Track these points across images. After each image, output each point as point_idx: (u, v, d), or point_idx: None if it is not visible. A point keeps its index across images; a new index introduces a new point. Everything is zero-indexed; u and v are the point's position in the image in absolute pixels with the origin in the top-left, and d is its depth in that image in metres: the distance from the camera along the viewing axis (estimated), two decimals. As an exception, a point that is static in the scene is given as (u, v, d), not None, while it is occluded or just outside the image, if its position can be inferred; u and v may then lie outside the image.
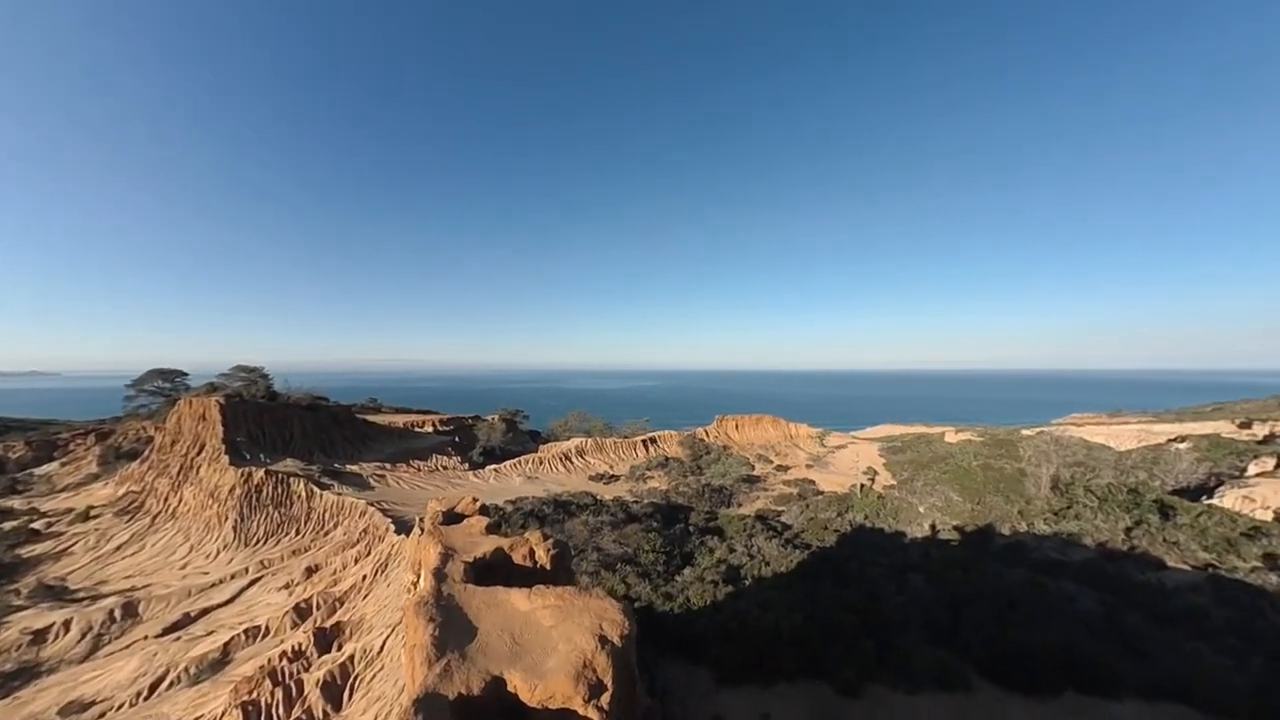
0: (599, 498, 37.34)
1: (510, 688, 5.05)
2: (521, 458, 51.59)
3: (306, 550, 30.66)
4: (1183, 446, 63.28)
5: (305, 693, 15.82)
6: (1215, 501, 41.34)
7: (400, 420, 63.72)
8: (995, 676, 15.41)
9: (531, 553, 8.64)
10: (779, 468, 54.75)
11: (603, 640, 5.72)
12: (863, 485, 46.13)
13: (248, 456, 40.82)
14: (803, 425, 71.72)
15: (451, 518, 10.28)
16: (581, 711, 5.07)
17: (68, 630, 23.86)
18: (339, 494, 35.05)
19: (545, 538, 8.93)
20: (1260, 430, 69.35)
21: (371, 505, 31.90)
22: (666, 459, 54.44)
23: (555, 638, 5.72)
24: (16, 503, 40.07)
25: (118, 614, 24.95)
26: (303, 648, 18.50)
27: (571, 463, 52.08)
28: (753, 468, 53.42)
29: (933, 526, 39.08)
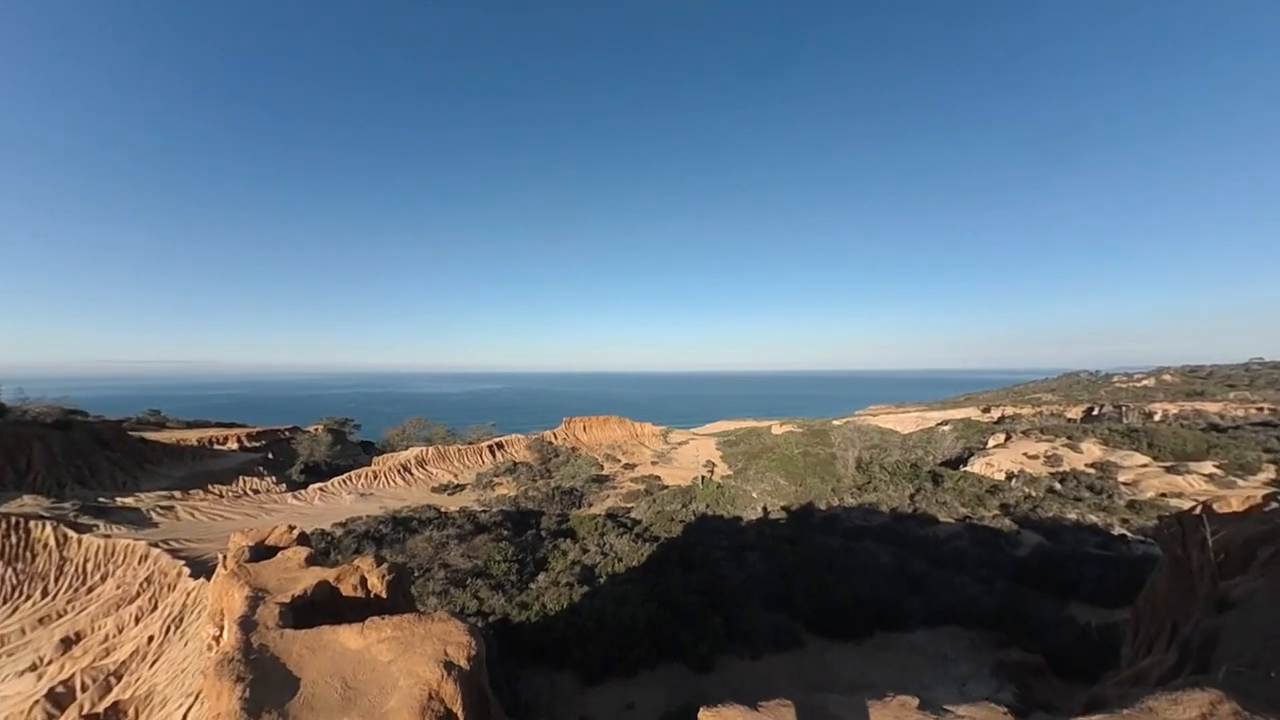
0: (443, 510, 35.10)
1: (345, 739, 4.44)
2: (352, 473, 46.49)
3: (61, 616, 24.06)
4: (946, 428, 78.89)
5: None
6: (968, 468, 51.82)
7: (193, 436, 53.53)
8: (821, 630, 17.79)
9: (363, 581, 7.67)
10: (626, 466, 56.38)
11: (449, 666, 5.31)
12: (703, 477, 49.45)
13: (-42, 497, 31.33)
14: (647, 424, 74.99)
15: (261, 552, 8.69)
16: (431, 748, 4.64)
17: None
18: (107, 536, 28.22)
19: (380, 562, 7.97)
20: (995, 414, 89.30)
21: (156, 546, 26.08)
22: (515, 464, 52.97)
23: (395, 673, 5.16)
24: None
25: None
26: None
27: (411, 474, 48.27)
28: (601, 467, 54.25)
29: (765, 509, 43.29)
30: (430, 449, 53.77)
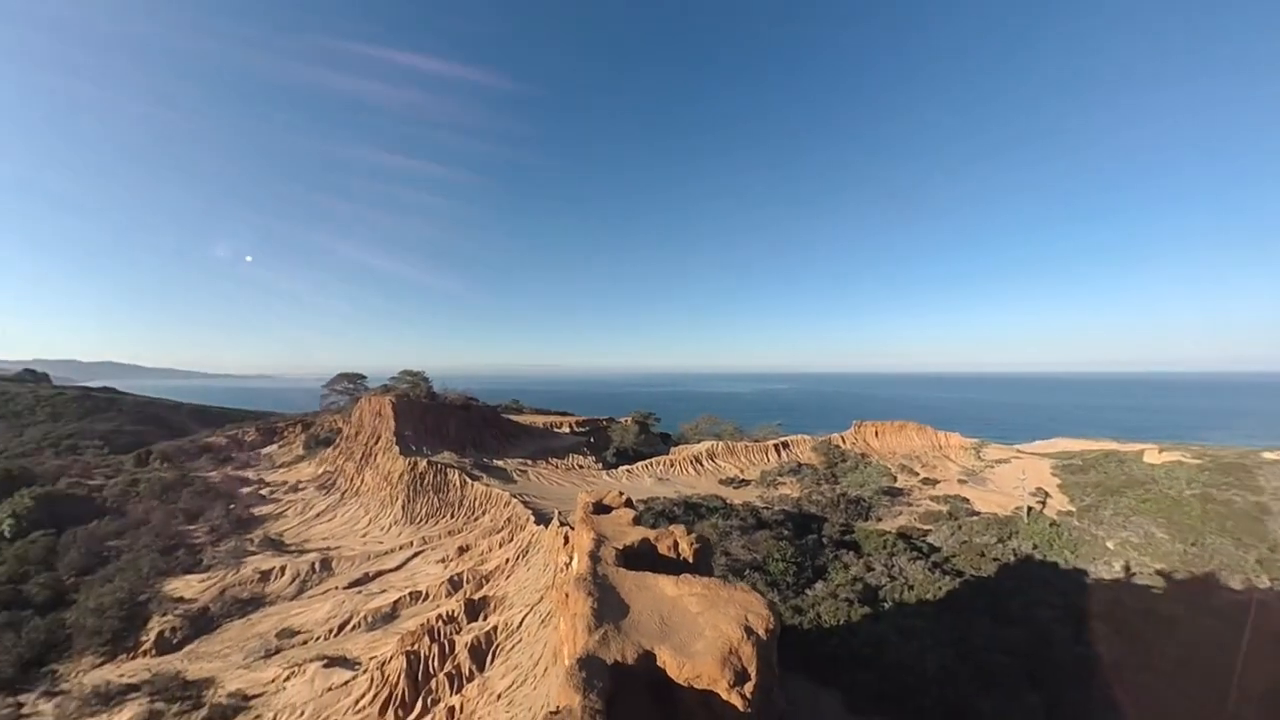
0: (728, 502, 36.91)
1: (659, 663, 5.27)
2: (653, 459, 52.66)
3: (459, 532, 34.13)
4: None
5: (455, 652, 18.09)
6: None
7: (540, 421, 68.31)
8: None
9: (675, 545, 9.11)
10: (925, 481, 49.91)
11: (748, 631, 5.72)
12: (1030, 508, 40.44)
13: (413, 448, 46.32)
14: (954, 434, 63.94)
15: (600, 508, 11.24)
16: (725, 696, 5.14)
17: (283, 574, 29.75)
18: (487, 485, 38.47)
19: (688, 531, 9.31)
20: None
21: (515, 497, 34.59)
22: (799, 465, 52.21)
23: (702, 624, 5.85)
24: (250, 474, 49.49)
25: (317, 567, 30.29)
26: (455, 614, 21.15)
27: (702, 465, 52.10)
28: (895, 479, 49.23)
29: (1126, 567, 33.01)
30: (720, 444, 57.12)
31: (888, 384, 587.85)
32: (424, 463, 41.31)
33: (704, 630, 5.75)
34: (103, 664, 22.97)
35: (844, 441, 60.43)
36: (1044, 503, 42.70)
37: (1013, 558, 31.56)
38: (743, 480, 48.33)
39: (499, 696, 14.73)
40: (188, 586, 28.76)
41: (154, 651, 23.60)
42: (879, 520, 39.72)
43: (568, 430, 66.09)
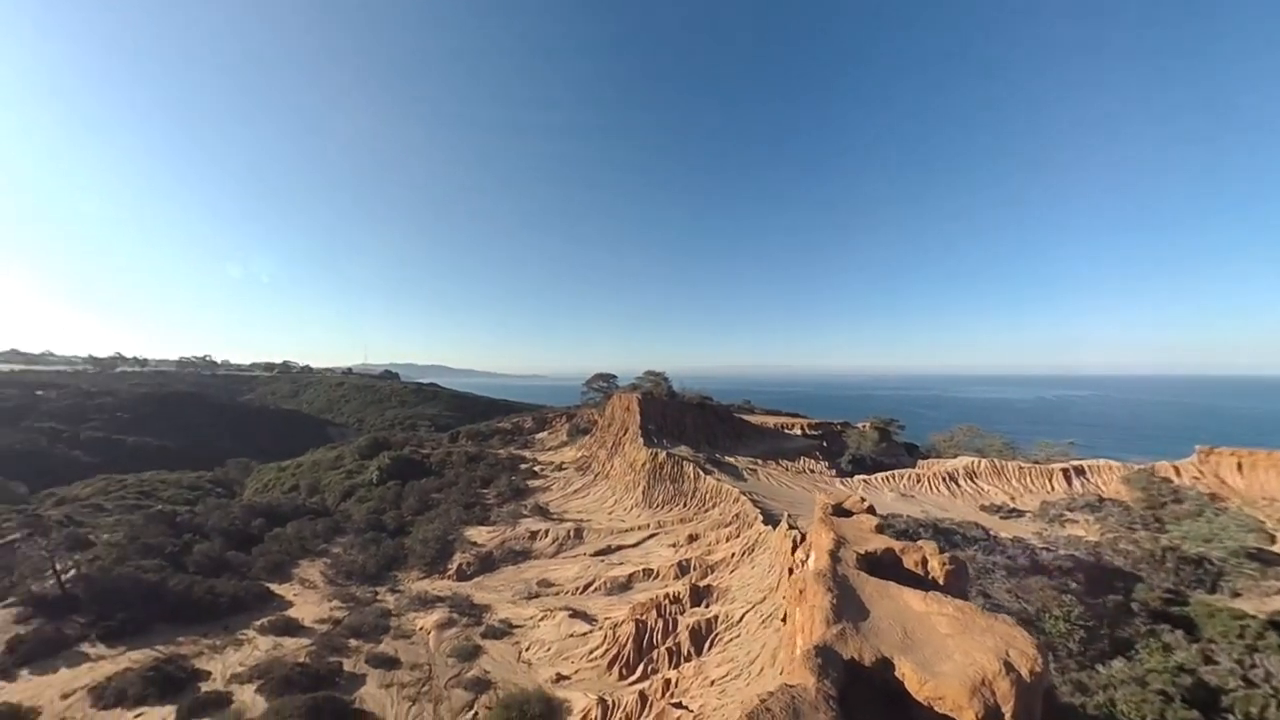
0: (992, 533, 31.30)
1: (898, 673, 4.86)
2: (895, 471, 47.57)
3: (690, 520, 35.86)
4: None
5: (677, 631, 19.39)
6: None
7: (771, 421, 67.47)
8: None
9: (924, 561, 8.17)
10: (1327, 550, 34.89)
11: (1008, 666, 4.89)
12: None
13: (655, 441, 50.13)
14: None
15: (840, 511, 10.87)
16: (969, 728, 4.50)
17: (546, 536, 35.59)
18: (718, 480, 39.49)
19: (941, 550, 8.31)
20: None
21: (744, 494, 34.83)
22: (1101, 500, 41.03)
23: (951, 646, 5.21)
24: (527, 454, 59.72)
25: (572, 534, 35.44)
26: (680, 596, 22.80)
27: (958, 485, 45.16)
28: (1272, 539, 35.24)
29: None
30: (983, 461, 48.58)
31: (1252, 391, 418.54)
32: (663, 454, 44.46)
33: (953, 653, 5.08)
34: (423, 579, 31.71)
35: (1179, 474, 44.81)
36: None
37: None
38: (1014, 510, 40.42)
39: (712, 683, 15.24)
40: (479, 534, 36.70)
41: (454, 577, 31.57)
42: (1235, 595, 29.14)
43: (799, 432, 63.85)
